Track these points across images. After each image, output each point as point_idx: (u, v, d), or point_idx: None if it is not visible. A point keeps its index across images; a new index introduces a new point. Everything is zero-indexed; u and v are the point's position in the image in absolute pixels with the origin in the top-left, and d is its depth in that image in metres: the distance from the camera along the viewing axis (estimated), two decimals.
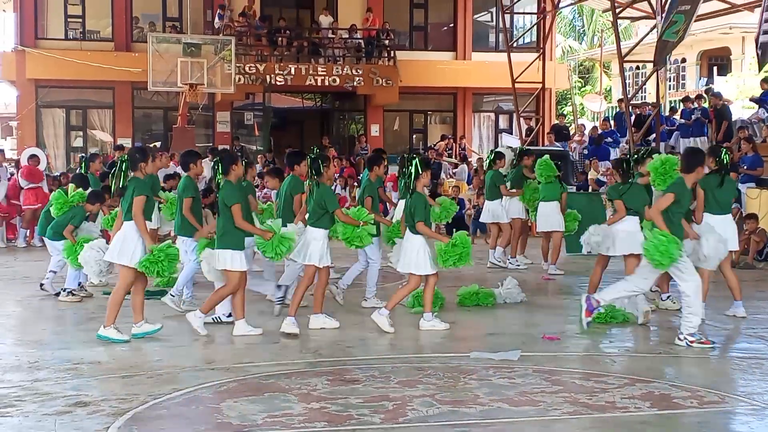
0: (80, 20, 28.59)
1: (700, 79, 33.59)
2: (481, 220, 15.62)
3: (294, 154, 10.80)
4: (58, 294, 11.16)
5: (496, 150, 15.36)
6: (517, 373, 7.39)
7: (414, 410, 6.27)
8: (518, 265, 14.31)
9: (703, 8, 20.86)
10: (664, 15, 19.76)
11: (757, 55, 17.22)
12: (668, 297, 10.37)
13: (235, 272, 8.71)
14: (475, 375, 7.33)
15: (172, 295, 10.24)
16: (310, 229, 9.10)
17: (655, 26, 21.66)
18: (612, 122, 25.21)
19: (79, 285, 11.15)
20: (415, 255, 9.05)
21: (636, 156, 10.42)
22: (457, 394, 6.74)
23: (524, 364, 7.71)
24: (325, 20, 28.52)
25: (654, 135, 22.32)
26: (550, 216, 13.74)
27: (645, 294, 10.20)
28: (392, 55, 27.87)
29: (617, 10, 23.31)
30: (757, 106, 20.90)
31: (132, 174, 8.65)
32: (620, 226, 9.87)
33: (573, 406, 6.41)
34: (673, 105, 26.44)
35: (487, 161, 14.72)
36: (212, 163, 9.37)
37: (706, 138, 20.84)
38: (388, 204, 12.93)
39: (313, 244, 8.99)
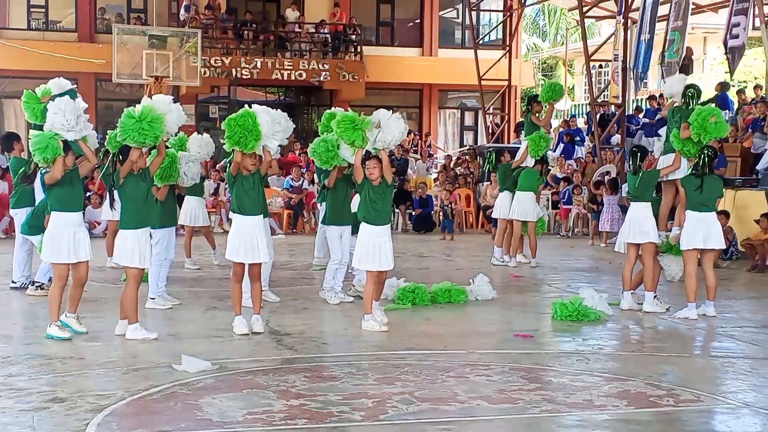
0: (43, 10, 28.24)
1: (662, 78, 33.87)
2: (493, 215, 15.72)
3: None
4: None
5: (494, 149, 15.58)
6: (494, 371, 7.42)
7: (394, 407, 6.27)
8: (505, 262, 14.54)
9: (666, 9, 21.10)
10: (647, 30, 19.87)
11: (727, 59, 17.37)
12: (654, 297, 10.44)
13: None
14: (452, 372, 7.34)
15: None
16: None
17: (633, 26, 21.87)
18: (583, 120, 25.50)
19: (49, 280, 11.01)
20: None
21: None
22: (436, 391, 6.75)
23: (501, 362, 7.75)
24: (291, 15, 28.44)
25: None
26: (525, 205, 14.00)
27: (634, 293, 10.43)
28: (359, 50, 27.89)
29: (584, 9, 23.50)
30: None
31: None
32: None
33: (551, 404, 6.45)
34: (638, 105, 26.69)
35: (488, 164, 14.94)
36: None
37: None
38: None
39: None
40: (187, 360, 7.32)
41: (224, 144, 8.60)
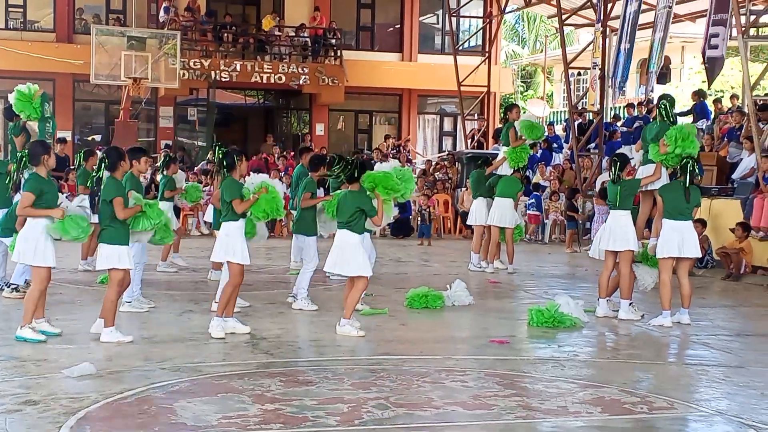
0: (21, 10, 28.06)
1: (639, 87, 34.06)
2: (468, 222, 15.67)
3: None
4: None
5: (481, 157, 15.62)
6: (470, 377, 7.44)
7: (369, 413, 6.27)
8: (482, 268, 14.48)
9: (644, 17, 21.20)
10: (628, 39, 19.88)
11: (706, 69, 17.43)
12: (630, 304, 10.45)
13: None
14: (428, 378, 7.35)
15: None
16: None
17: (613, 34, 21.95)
18: (561, 127, 25.57)
19: (25, 282, 10.93)
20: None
21: None
22: (411, 396, 6.76)
23: (477, 368, 7.77)
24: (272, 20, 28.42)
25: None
26: (504, 212, 13.96)
27: (610, 300, 10.48)
28: (339, 54, 27.89)
29: (563, 17, 23.58)
30: (692, 117, 21.33)
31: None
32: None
33: (526, 410, 6.47)
34: (615, 113, 26.81)
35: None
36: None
37: None
38: None
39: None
40: (69, 371, 7.16)
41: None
